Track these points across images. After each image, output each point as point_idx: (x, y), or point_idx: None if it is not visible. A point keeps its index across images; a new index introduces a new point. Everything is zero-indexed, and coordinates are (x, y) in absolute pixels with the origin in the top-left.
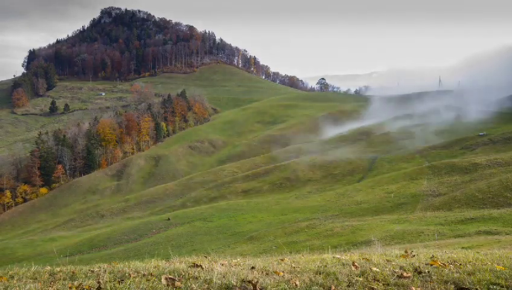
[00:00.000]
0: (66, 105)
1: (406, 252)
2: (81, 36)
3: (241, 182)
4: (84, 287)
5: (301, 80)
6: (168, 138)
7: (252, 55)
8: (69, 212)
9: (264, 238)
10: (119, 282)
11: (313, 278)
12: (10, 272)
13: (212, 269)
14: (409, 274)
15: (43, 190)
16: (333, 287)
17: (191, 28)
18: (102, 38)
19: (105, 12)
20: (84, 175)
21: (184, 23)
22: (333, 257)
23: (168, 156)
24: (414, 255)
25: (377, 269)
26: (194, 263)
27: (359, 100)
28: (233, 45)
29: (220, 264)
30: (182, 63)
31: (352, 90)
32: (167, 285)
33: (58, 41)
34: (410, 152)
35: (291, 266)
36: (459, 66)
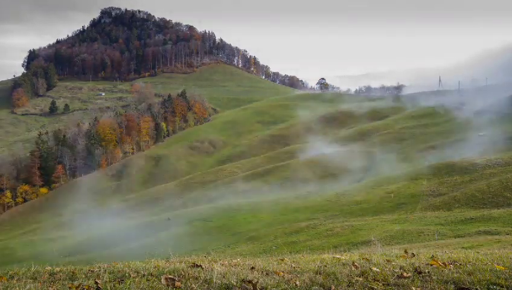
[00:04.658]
0: (66, 105)
1: (406, 252)
2: (81, 36)
3: (241, 182)
4: (84, 287)
5: (301, 80)
6: (168, 138)
7: (252, 55)
8: (69, 212)
9: (264, 238)
10: (119, 282)
11: (313, 278)
12: (10, 272)
13: (212, 269)
14: (409, 274)
15: (43, 190)
16: (333, 287)
17: (191, 28)
18: (102, 38)
19: (105, 13)
20: (84, 175)
21: (184, 23)
22: (333, 257)
23: (168, 156)
24: (414, 255)
25: (377, 269)
26: (194, 263)
27: (359, 100)
28: (233, 45)
29: (220, 264)
30: (182, 63)
31: (352, 90)
32: (167, 285)
33: (58, 42)
34: (411, 152)
35: (291, 266)
36: (459, 65)
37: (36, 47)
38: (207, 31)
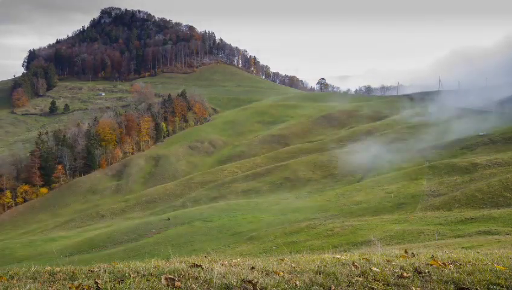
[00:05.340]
0: (66, 105)
1: (406, 252)
2: (81, 36)
3: (241, 182)
4: (84, 287)
5: (301, 80)
6: (168, 138)
7: (252, 55)
8: (69, 212)
9: (264, 238)
10: (119, 282)
11: (313, 278)
12: (10, 272)
13: (212, 269)
14: (409, 274)
15: (43, 190)
16: (333, 287)
17: (191, 28)
18: (102, 38)
19: (105, 13)
20: (84, 175)
21: (184, 23)
22: (333, 257)
23: (168, 156)
24: (414, 255)
25: (377, 269)
26: (194, 263)
27: (359, 100)
28: (233, 45)
29: (220, 264)
30: (182, 63)
31: (352, 90)
32: (167, 285)
33: (58, 42)
34: (411, 152)
35: (291, 266)
36: (457, 60)
37: (36, 47)
38: (207, 31)
